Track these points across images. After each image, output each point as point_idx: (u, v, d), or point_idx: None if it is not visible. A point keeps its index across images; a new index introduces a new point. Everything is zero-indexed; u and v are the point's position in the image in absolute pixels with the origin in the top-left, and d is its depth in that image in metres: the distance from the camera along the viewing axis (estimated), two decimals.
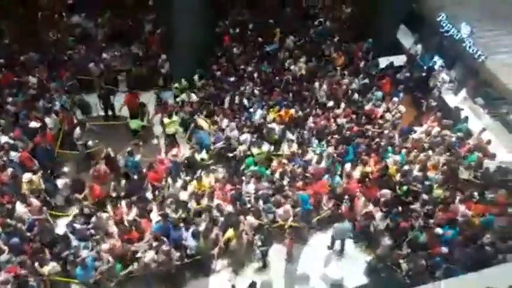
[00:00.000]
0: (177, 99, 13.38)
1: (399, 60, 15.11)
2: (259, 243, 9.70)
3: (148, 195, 10.76)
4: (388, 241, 9.42)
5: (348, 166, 11.04)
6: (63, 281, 8.75)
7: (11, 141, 11.02)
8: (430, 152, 11.34)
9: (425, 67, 14.61)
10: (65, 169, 11.63)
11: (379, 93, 13.38)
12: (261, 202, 10.20)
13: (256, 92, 13.27)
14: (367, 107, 12.99)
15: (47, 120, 11.79)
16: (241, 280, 9.23)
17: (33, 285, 8.18)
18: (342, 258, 10.08)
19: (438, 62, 14.63)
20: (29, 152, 10.97)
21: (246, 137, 11.75)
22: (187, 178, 10.88)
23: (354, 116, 12.70)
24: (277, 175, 10.92)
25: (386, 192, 10.37)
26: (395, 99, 13.22)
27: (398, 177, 10.74)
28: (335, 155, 11.36)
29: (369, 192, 10.41)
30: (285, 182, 10.78)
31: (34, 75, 13.05)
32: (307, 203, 10.23)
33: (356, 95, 13.41)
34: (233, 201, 10.27)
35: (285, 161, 11.24)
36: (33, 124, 11.49)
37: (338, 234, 9.97)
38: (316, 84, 13.64)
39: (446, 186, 10.39)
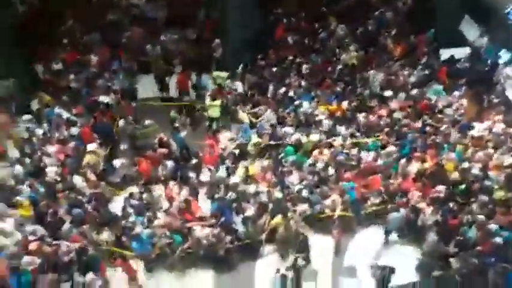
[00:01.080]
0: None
1: (462, 52, 14.42)
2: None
3: (201, 177, 10.97)
4: (434, 236, 9.17)
5: (402, 161, 10.74)
6: (120, 252, 9.13)
7: (73, 118, 11.62)
8: (492, 151, 10.79)
9: (489, 61, 13.85)
10: (122, 147, 11.95)
11: (439, 87, 12.84)
12: (305, 192, 10.18)
13: (303, 83, 13.06)
14: (425, 101, 12.51)
15: (106, 98, 12.23)
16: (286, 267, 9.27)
17: (93, 254, 8.63)
18: (391, 253, 9.86)
19: (504, 56, 13.83)
20: (90, 127, 11.52)
21: (289, 129, 11.71)
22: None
23: (410, 110, 12.24)
24: (319, 165, 10.77)
25: (441, 188, 10.03)
26: (456, 93, 12.65)
27: (455, 174, 10.35)
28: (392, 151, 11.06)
29: (423, 189, 10.12)
30: (330, 172, 10.65)
31: (95, 54, 13.57)
32: (352, 192, 10.11)
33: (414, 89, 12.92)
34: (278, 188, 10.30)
35: (326, 151, 11.09)
36: (102, 99, 12.03)
37: (392, 224, 9.76)
38: (371, 73, 13.27)
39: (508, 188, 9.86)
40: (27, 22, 13.58)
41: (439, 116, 12.10)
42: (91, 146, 10.77)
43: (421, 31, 14.72)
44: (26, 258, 8.02)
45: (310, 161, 10.91)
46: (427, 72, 13.39)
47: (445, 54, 14.29)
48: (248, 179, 10.50)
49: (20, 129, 11.11)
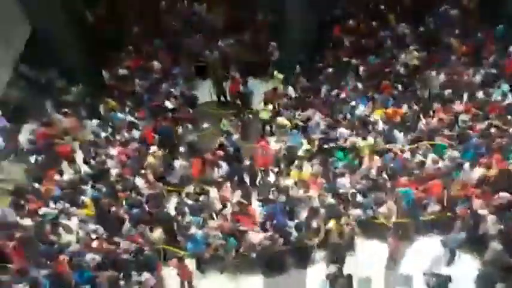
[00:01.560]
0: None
1: None
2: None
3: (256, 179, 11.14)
4: (497, 245, 8.55)
5: (466, 166, 10.15)
6: (174, 251, 9.54)
7: (136, 121, 12.28)
8: None
9: None
10: (181, 149, 12.34)
11: (506, 86, 11.95)
12: (359, 196, 9.96)
13: (359, 86, 12.70)
14: (492, 103, 11.66)
15: (167, 103, 12.79)
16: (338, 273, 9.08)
17: (149, 254, 9.05)
18: (451, 263, 9.36)
19: None
20: (152, 130, 12.11)
21: (342, 131, 11.49)
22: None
23: (475, 111, 11.45)
24: (373, 171, 10.47)
25: (505, 195, 9.32)
26: None
27: None
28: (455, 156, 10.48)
29: (486, 196, 9.49)
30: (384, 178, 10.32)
31: (158, 60, 14.21)
32: (410, 198, 9.68)
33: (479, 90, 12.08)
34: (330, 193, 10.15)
35: (376, 157, 10.74)
36: (168, 104, 12.64)
37: (449, 243, 9.24)
38: (433, 73, 12.64)
39: None
40: (95, 30, 14.57)
41: (508, 117, 11.22)
42: (153, 148, 11.30)
43: (488, 28, 13.76)
44: (88, 256, 8.62)
45: (364, 165, 10.64)
46: (494, 71, 12.48)
47: None
48: (299, 183, 10.41)
49: (87, 132, 11.98)
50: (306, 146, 11.51)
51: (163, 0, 16.35)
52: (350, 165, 10.70)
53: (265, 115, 12.69)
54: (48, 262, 8.70)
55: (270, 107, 12.74)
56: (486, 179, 9.74)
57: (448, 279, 8.40)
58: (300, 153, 11.43)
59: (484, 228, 9.05)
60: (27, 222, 9.43)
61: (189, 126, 12.60)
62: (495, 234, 8.82)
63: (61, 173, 10.78)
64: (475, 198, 9.46)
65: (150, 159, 11.14)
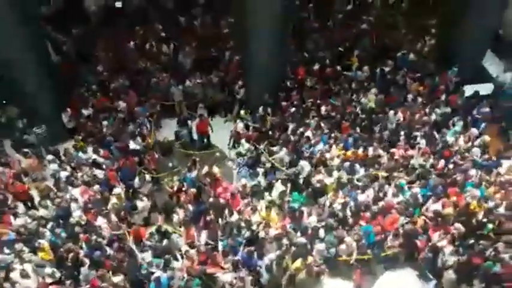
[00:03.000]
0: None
1: (486, 88, 14.19)
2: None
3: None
4: (452, 275, 8.84)
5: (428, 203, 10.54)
6: None
7: (100, 160, 12.06)
8: None
9: None
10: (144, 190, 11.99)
11: (460, 125, 12.60)
12: (322, 232, 10.04)
13: (322, 125, 13.01)
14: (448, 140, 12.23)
15: (132, 144, 12.70)
16: None
17: None
18: None
19: None
20: (115, 170, 11.90)
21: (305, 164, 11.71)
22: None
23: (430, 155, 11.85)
24: (337, 206, 10.62)
25: (458, 226, 9.79)
26: (474, 130, 12.32)
27: (481, 215, 10.00)
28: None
29: (443, 228, 9.89)
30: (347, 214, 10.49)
31: (124, 100, 14.16)
32: (370, 235, 9.90)
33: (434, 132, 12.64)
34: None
35: (340, 193, 10.95)
36: (132, 145, 12.58)
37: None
38: (391, 113, 13.16)
39: None
40: (59, 69, 14.48)
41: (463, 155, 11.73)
42: (116, 191, 11.08)
43: (442, 69, 14.62)
44: None
45: (327, 202, 10.80)
46: (448, 109, 13.15)
47: (468, 90, 14.03)
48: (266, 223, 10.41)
49: (47, 173, 11.66)
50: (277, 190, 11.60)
51: (131, 41, 16.61)
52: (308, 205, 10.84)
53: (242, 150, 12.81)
54: None
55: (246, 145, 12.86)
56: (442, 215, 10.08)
57: None
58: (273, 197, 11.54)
59: (441, 260, 9.34)
60: None
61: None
62: (451, 264, 9.10)
63: (16, 216, 10.36)
64: (432, 231, 9.78)
65: (114, 200, 10.93)
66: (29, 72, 12.56)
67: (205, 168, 11.69)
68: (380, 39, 16.55)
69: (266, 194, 11.60)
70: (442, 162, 11.48)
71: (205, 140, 13.99)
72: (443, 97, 13.53)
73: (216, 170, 11.74)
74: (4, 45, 11.90)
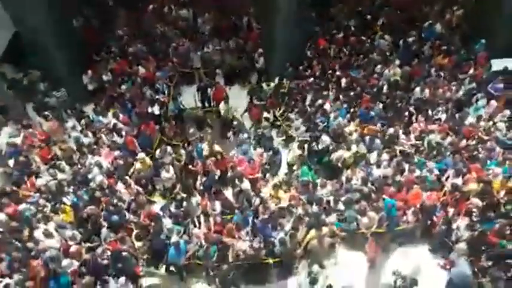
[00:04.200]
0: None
1: None
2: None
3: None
4: (463, 246, 8.87)
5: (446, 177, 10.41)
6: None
7: (120, 124, 12.13)
8: None
9: None
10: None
11: (483, 101, 12.19)
12: (341, 206, 10.08)
13: (341, 97, 12.74)
14: (468, 121, 11.84)
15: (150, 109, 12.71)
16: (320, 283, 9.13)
17: (128, 259, 8.96)
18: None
19: None
20: (134, 136, 11.99)
21: (325, 138, 11.60)
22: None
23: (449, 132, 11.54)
24: (355, 181, 10.57)
25: (476, 201, 9.68)
26: (493, 102, 11.92)
27: (502, 193, 9.86)
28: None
29: (459, 205, 9.82)
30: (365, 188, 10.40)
31: (142, 65, 14.12)
32: (392, 209, 9.84)
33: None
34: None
35: (356, 169, 10.90)
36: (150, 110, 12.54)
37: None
38: (417, 89, 12.78)
39: None
40: (80, 34, 14.46)
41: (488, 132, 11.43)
42: (140, 156, 11.15)
43: (471, 42, 14.08)
44: (65, 261, 8.50)
45: (344, 177, 10.76)
46: (473, 84, 12.77)
47: (496, 64, 13.54)
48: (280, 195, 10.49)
49: (69, 138, 11.84)
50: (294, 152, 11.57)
51: (150, 4, 16.38)
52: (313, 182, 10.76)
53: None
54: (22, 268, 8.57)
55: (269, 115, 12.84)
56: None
57: (415, 282, 8.57)
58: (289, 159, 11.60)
59: (456, 234, 9.38)
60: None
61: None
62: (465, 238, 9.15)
63: (40, 178, 10.60)
64: (449, 206, 9.79)
65: (138, 165, 11.07)
66: (51, 35, 12.64)
67: (206, 148, 11.58)
68: (405, 8, 15.95)
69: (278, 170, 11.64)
70: (463, 141, 11.21)
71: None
72: (471, 71, 13.04)
73: (217, 147, 11.65)
74: (27, 10, 11.93)
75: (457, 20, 15.12)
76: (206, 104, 13.97)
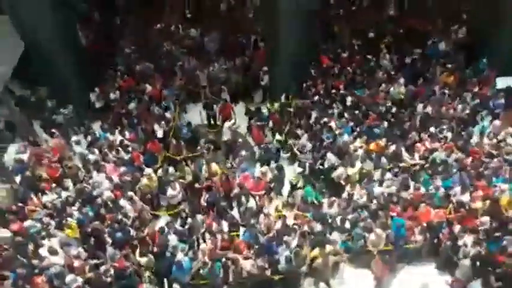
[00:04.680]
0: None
1: None
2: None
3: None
4: (466, 262, 8.75)
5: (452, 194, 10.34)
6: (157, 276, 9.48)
7: (127, 142, 12.18)
8: None
9: None
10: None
11: (488, 119, 12.17)
12: (347, 225, 10.03)
13: (346, 115, 12.74)
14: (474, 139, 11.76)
15: (156, 127, 12.80)
16: None
17: (131, 277, 8.89)
18: None
19: None
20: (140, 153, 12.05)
21: (330, 156, 11.55)
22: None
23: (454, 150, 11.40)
24: (359, 198, 10.51)
25: (485, 220, 9.59)
26: (497, 122, 11.85)
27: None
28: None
29: (466, 221, 9.74)
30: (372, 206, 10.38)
31: (149, 83, 14.25)
32: (401, 228, 9.77)
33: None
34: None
35: (359, 184, 10.87)
36: (157, 132, 12.64)
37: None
38: (419, 106, 12.77)
39: None
40: (87, 51, 14.68)
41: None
42: (147, 171, 11.19)
43: (474, 59, 14.13)
44: (69, 277, 8.47)
45: (347, 194, 10.72)
46: (477, 101, 12.76)
47: (500, 83, 13.57)
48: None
49: (74, 155, 11.94)
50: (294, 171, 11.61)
51: (158, 23, 16.67)
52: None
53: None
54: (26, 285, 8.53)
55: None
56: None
57: None
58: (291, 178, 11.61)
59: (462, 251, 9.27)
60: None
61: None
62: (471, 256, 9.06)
63: (46, 195, 10.63)
64: (456, 223, 9.71)
65: (144, 181, 11.09)
66: (58, 53, 12.86)
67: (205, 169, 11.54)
68: (408, 25, 16.08)
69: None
70: (468, 159, 11.14)
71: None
72: (475, 90, 13.05)
73: (215, 167, 11.62)
74: (36, 27, 12.19)
75: (461, 38, 15.19)
76: (212, 122, 14.06)
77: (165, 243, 9.53)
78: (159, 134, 12.76)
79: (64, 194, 10.54)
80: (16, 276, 8.58)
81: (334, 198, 10.71)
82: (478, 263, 8.96)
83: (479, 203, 9.94)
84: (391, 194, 10.49)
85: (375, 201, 10.43)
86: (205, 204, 10.92)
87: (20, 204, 10.20)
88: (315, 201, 10.66)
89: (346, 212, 10.33)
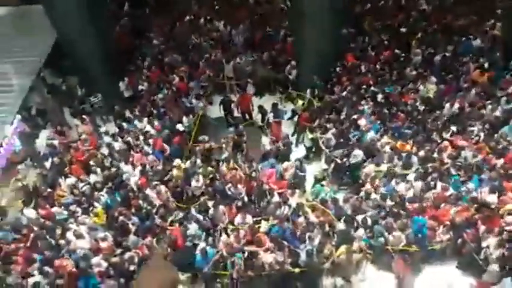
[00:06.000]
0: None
1: None
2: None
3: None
4: (495, 267, 8.46)
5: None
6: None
7: (153, 131, 12.35)
8: None
9: None
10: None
11: None
12: (369, 222, 9.89)
13: (375, 112, 12.47)
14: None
15: (184, 119, 12.91)
16: None
17: None
18: None
19: None
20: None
21: (357, 152, 11.39)
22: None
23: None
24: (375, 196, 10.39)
25: (510, 219, 9.26)
26: None
27: None
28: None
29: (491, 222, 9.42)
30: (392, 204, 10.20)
31: (177, 74, 14.38)
32: (423, 228, 9.59)
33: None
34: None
35: (379, 181, 10.68)
36: (179, 126, 12.72)
37: None
38: (447, 106, 12.36)
39: None
40: (117, 42, 14.93)
41: None
42: (177, 161, 11.29)
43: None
44: (95, 259, 8.68)
45: (364, 192, 10.60)
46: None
47: None
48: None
49: (101, 142, 12.17)
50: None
51: (186, 16, 16.77)
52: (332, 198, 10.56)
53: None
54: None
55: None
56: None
57: None
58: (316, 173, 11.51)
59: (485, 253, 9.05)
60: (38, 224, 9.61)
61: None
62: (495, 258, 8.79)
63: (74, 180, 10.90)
64: (480, 223, 9.44)
65: (175, 172, 11.22)
66: (89, 43, 13.10)
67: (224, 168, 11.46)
68: (441, 21, 15.64)
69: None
70: (499, 160, 10.77)
71: (247, 118, 13.95)
72: (510, 89, 12.54)
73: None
74: (68, 18, 12.46)
75: (497, 34, 14.65)
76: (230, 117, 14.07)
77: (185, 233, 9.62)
78: (183, 126, 12.86)
79: (92, 179, 10.75)
80: (42, 258, 8.83)
81: (351, 194, 10.61)
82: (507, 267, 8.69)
83: (509, 206, 9.59)
84: (417, 193, 10.28)
85: (397, 199, 10.25)
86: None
87: (49, 190, 10.49)
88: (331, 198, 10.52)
89: (367, 209, 10.20)
